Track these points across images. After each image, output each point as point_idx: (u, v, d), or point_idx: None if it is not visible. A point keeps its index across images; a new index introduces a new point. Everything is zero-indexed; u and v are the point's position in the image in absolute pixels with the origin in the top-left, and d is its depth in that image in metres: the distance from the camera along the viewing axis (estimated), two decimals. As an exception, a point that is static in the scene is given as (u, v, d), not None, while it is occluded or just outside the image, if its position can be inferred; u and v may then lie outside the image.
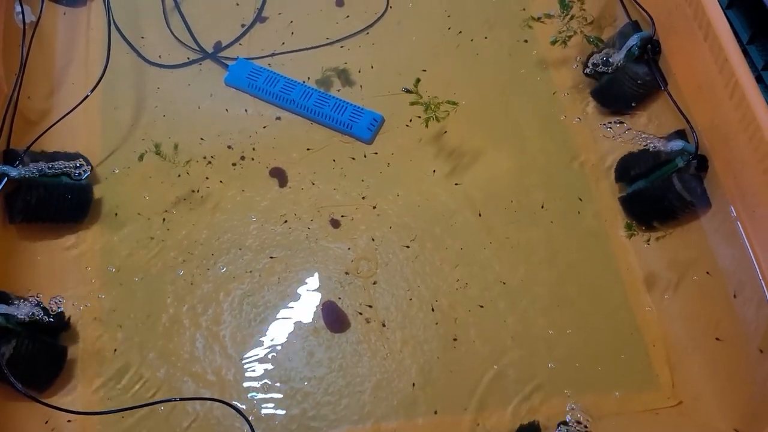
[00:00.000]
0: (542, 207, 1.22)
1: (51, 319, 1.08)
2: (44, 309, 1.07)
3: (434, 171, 1.26)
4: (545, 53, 1.36)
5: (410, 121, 1.31)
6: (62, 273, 1.18)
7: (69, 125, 1.27)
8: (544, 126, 1.30)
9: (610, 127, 1.19)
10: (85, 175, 1.22)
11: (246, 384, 1.09)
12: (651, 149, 1.13)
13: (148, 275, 1.18)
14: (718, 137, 1.03)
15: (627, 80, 1.19)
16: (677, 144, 1.08)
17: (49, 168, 1.18)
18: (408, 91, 1.19)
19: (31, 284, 1.14)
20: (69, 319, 1.13)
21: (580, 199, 1.22)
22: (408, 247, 1.20)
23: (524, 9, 1.41)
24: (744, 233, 1.00)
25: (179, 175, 1.27)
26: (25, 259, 1.17)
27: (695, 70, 1.08)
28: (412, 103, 1.20)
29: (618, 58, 1.18)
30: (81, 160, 1.22)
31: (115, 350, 1.12)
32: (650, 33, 1.15)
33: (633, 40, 1.15)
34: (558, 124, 1.30)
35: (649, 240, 1.16)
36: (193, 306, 1.16)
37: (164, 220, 1.23)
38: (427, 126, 1.22)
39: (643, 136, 1.11)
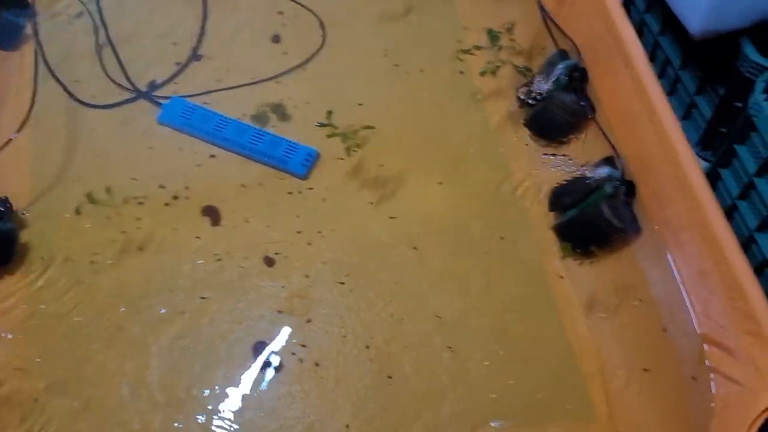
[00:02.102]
0: (479, 238, 1.21)
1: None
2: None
3: (371, 203, 1.25)
4: (480, 84, 1.36)
5: (347, 155, 1.30)
6: (-17, 321, 1.14)
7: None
8: (480, 156, 1.30)
9: (545, 155, 1.19)
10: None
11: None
12: (581, 177, 1.13)
13: (74, 321, 1.14)
14: (641, 164, 1.04)
15: (557, 109, 1.19)
16: (604, 171, 1.08)
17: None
18: (322, 125, 1.19)
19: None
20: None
21: (517, 229, 1.21)
22: (343, 283, 1.18)
23: (459, 41, 1.42)
24: (671, 260, 0.99)
25: (109, 217, 1.24)
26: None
27: (619, 98, 1.09)
28: (329, 136, 1.19)
29: (546, 87, 1.19)
30: (3, 204, 1.19)
31: (36, 400, 1.07)
32: (576, 61, 1.17)
33: (559, 69, 1.16)
34: (494, 154, 1.29)
35: (581, 264, 1.15)
36: (122, 351, 1.12)
37: (92, 262, 1.20)
38: (349, 155, 1.21)
39: (573, 163, 1.11)
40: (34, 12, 1.42)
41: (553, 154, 1.19)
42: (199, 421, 1.06)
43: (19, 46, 1.43)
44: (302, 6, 1.49)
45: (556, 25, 1.22)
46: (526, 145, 1.27)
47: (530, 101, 1.22)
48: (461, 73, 1.39)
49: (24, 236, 1.21)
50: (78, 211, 1.23)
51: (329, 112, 1.18)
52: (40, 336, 1.13)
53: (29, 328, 1.13)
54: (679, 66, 1.34)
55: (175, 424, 1.05)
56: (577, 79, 1.17)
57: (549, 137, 1.25)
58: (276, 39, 1.46)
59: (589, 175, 1.10)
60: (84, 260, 1.19)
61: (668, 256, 1.00)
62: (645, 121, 0.99)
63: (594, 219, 1.10)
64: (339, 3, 1.49)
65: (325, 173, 1.29)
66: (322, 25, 1.47)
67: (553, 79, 1.17)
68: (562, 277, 1.16)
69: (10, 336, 1.12)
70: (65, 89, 1.39)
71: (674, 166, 0.92)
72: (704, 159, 1.34)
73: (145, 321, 1.14)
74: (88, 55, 1.44)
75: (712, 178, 1.23)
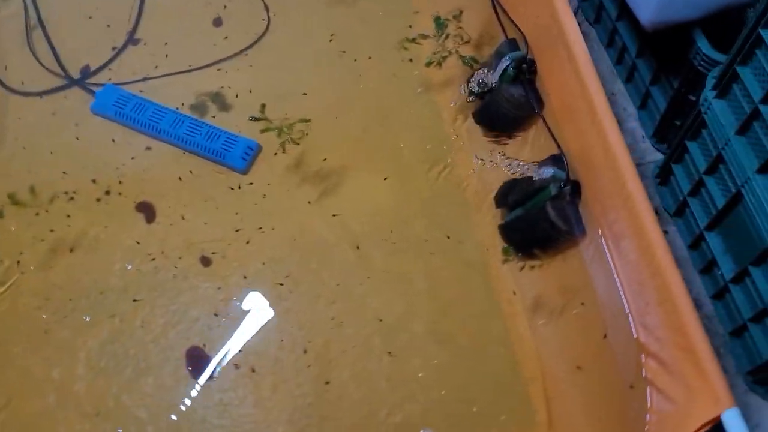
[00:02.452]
0: (423, 236, 1.17)
1: None
2: None
3: (310, 202, 1.20)
4: (430, 74, 1.31)
5: (282, 150, 1.24)
6: None
7: None
8: (426, 151, 1.25)
9: (492, 151, 1.15)
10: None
11: (100, 443, 1.01)
12: (527, 176, 1.09)
13: (-3, 325, 1.09)
14: (586, 164, 1.00)
15: (504, 102, 1.15)
16: (549, 171, 1.04)
17: None
18: (255, 119, 1.13)
19: None
20: None
21: (463, 228, 1.18)
22: (282, 284, 1.13)
23: (410, 26, 1.36)
24: (613, 266, 0.96)
25: (37, 214, 1.18)
26: None
27: (564, 93, 1.05)
28: (263, 131, 1.14)
29: (493, 79, 1.14)
30: None
31: (-45, 412, 1.03)
32: (523, 53, 1.12)
33: (506, 61, 1.11)
34: (441, 149, 1.25)
35: (523, 268, 1.12)
36: (47, 357, 1.07)
37: (18, 263, 1.14)
38: (284, 150, 1.16)
39: (518, 162, 1.07)
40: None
41: (502, 152, 1.14)
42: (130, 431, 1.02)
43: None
44: (247, -14, 1.42)
45: (505, 12, 1.16)
46: (474, 140, 1.23)
47: (477, 93, 1.17)
48: (410, 61, 1.33)
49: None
50: (0, 214, 1.17)
51: (263, 105, 1.12)
52: (-38, 341, 1.08)
53: (-51, 333, 1.08)
54: (636, 54, 1.29)
55: (102, 436, 1.02)
56: (525, 71, 1.12)
57: (497, 130, 1.20)
58: (218, 22, 1.39)
59: (534, 174, 1.06)
60: (9, 260, 1.14)
61: (610, 261, 0.97)
62: (588, 120, 0.94)
63: (538, 220, 1.06)
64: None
65: (266, 167, 1.23)
66: (266, 8, 1.39)
67: (500, 71, 1.12)
68: (506, 279, 1.13)
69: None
70: (-9, 75, 1.32)
71: (614, 171, 0.89)
72: (659, 151, 1.30)
73: (73, 325, 1.10)
74: (18, 38, 1.36)
75: (665, 173, 1.20)
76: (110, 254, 1.16)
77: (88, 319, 1.09)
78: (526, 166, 1.08)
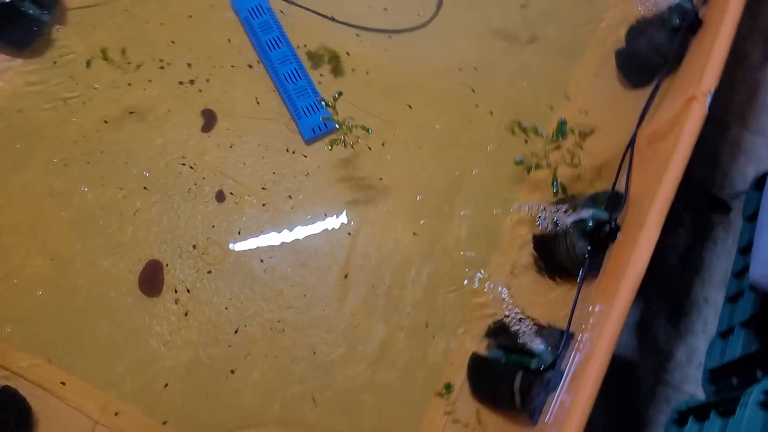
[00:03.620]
0: (406, 310, 1.10)
1: None
2: None
3: (343, 207, 1.16)
4: (516, 169, 1.16)
5: (356, 148, 1.19)
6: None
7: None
8: (468, 240, 1.13)
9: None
10: (44, 16, 1.21)
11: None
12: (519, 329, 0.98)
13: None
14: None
15: (563, 250, 1.02)
16: (538, 343, 0.93)
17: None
18: (325, 103, 1.08)
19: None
20: None
21: (445, 326, 1.09)
22: (262, 261, 1.12)
23: (551, 108, 1.22)
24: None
25: (124, 72, 1.22)
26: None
27: (611, 274, 0.91)
28: (325, 119, 1.10)
29: (567, 221, 1.00)
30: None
31: None
32: (606, 218, 0.97)
33: (587, 213, 0.97)
34: (484, 246, 1.13)
35: (450, 413, 1.03)
36: (54, 185, 1.15)
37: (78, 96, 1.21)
38: (331, 149, 1.10)
39: (519, 315, 0.97)
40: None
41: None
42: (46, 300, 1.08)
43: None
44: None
45: (630, 165, 1.00)
46: (521, 257, 1.11)
47: (545, 225, 1.05)
48: (505, 145, 1.18)
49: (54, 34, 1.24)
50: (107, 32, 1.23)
51: (339, 94, 1.06)
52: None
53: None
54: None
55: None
56: (603, 233, 0.97)
57: (546, 271, 1.07)
58: (387, -7, 1.32)
59: (525, 335, 0.95)
60: (81, 88, 1.21)
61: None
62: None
63: (503, 379, 0.96)
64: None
65: (328, 151, 1.18)
66: (439, 4, 1.30)
67: (577, 219, 0.98)
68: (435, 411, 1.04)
69: None
70: None
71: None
72: (703, 389, 1.13)
73: (86, 176, 1.16)
74: None
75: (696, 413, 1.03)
76: (155, 136, 1.19)
77: (100, 177, 1.15)
78: (528, 323, 0.97)
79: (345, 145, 1.09)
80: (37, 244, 1.12)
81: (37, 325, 1.07)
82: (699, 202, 1.21)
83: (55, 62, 1.23)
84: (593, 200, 1.02)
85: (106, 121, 1.19)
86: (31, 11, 1.19)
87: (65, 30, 1.25)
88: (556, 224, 1.03)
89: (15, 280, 1.09)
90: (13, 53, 1.22)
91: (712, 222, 1.21)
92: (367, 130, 1.10)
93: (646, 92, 1.11)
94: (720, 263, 1.18)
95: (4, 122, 1.19)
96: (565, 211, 1.01)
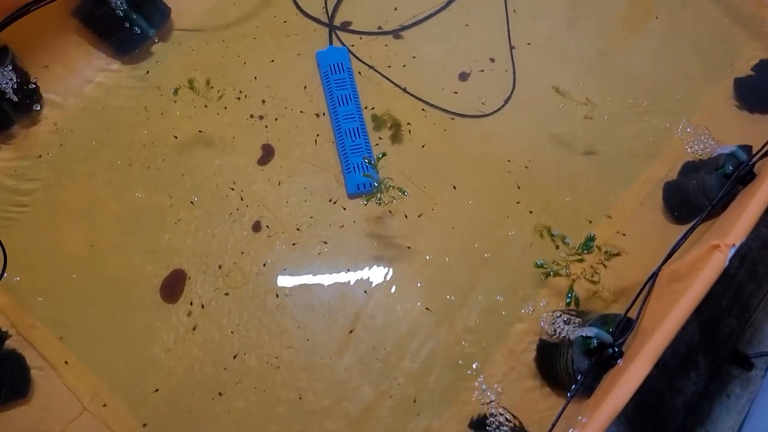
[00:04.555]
0: (398, 381, 1.11)
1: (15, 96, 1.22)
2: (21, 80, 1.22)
3: (366, 266, 1.20)
4: (534, 270, 1.17)
5: (393, 213, 1.24)
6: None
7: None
8: (475, 329, 1.14)
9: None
10: (150, 31, 1.33)
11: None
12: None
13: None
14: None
15: (563, 364, 1.01)
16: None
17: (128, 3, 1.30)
18: (367, 161, 1.14)
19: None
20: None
21: (427, 407, 1.09)
22: (277, 296, 1.17)
23: (590, 222, 1.23)
24: None
25: (215, 97, 1.33)
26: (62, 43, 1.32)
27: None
28: (365, 175, 1.16)
29: (571, 334, 1.00)
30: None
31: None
32: (609, 340, 0.96)
33: (592, 331, 0.97)
34: (481, 344, 1.13)
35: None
36: (112, 177, 1.24)
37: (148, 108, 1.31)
38: (366, 204, 1.14)
39: (504, 416, 0.96)
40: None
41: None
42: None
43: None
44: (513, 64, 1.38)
45: (648, 296, 1.00)
46: (513, 368, 1.11)
47: (549, 335, 1.05)
48: (530, 246, 1.19)
49: (159, 49, 1.36)
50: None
51: (383, 154, 1.13)
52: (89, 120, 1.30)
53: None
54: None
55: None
56: (602, 356, 0.97)
57: (542, 378, 1.07)
58: (463, 77, 1.38)
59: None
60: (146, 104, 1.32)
61: None
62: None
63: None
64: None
65: (368, 208, 1.23)
66: (511, 92, 1.35)
67: (582, 334, 0.98)
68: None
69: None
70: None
71: None
72: None
73: (143, 178, 1.25)
74: None
75: None
76: (215, 157, 1.28)
77: (154, 182, 1.24)
78: (508, 427, 0.97)
79: (380, 203, 1.14)
80: (84, 228, 1.20)
81: (61, 303, 1.15)
82: (721, 351, 1.18)
83: (147, 72, 1.34)
84: (603, 320, 1.02)
85: (176, 137, 1.28)
86: (140, 24, 1.32)
87: (165, 46, 1.37)
88: (560, 334, 1.03)
89: (56, 256, 1.18)
90: (115, 56, 1.34)
91: (730, 375, 1.18)
92: (403, 192, 1.14)
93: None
94: (728, 419, 1.14)
95: (89, 114, 1.30)
96: (573, 324, 1.02)
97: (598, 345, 0.97)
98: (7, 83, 1.19)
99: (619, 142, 1.32)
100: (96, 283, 1.16)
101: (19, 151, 1.25)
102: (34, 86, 1.26)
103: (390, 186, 1.15)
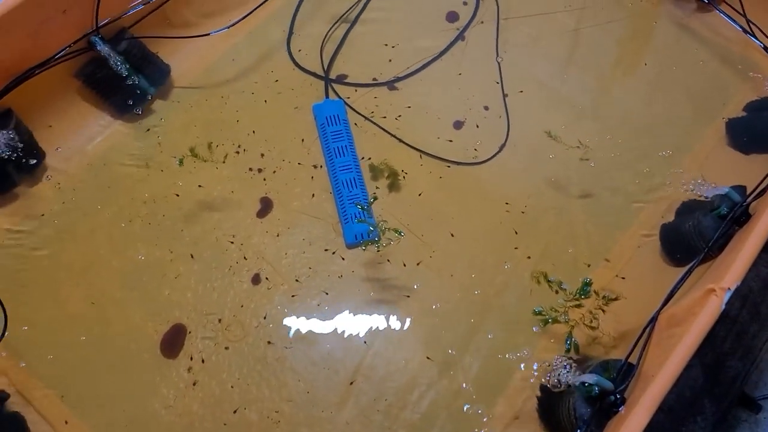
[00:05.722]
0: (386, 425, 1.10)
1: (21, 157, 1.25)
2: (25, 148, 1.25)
3: (366, 316, 1.20)
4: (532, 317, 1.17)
5: (392, 261, 1.24)
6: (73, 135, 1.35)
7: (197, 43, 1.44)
8: (479, 378, 1.14)
9: None
10: (151, 90, 1.37)
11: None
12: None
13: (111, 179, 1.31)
14: None
15: (566, 411, 1.00)
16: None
17: (134, 60, 1.34)
18: (360, 207, 1.15)
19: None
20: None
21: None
22: (277, 349, 1.17)
23: (589, 266, 1.24)
24: None
25: (219, 159, 1.35)
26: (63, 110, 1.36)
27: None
28: (360, 221, 1.16)
29: (573, 381, 1.00)
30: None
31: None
32: (610, 387, 0.95)
33: (592, 378, 0.96)
34: (490, 393, 1.13)
35: None
36: (114, 239, 1.26)
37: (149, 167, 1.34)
38: (365, 249, 1.15)
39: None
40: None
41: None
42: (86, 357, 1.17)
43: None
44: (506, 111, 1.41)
45: (646, 343, 1.00)
46: (517, 418, 1.10)
47: (549, 384, 1.04)
48: (529, 293, 1.20)
49: (157, 108, 1.39)
50: (194, 115, 1.36)
51: (374, 198, 1.15)
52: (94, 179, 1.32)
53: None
54: None
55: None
56: (604, 404, 0.96)
57: (544, 426, 1.06)
58: (458, 125, 1.40)
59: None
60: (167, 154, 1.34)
61: None
62: None
63: None
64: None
65: (366, 259, 1.24)
66: (506, 139, 1.37)
67: (583, 381, 0.97)
68: None
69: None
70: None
71: None
72: None
73: (142, 233, 1.27)
74: (314, 36, 1.52)
75: None
76: (214, 211, 1.29)
77: (154, 237, 1.26)
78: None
79: (378, 248, 1.15)
80: (85, 285, 1.21)
81: (63, 362, 1.15)
82: (727, 395, 1.17)
83: (148, 129, 1.37)
84: (604, 366, 1.01)
85: (176, 194, 1.30)
86: (139, 84, 1.35)
87: (165, 104, 1.40)
88: (561, 382, 1.02)
89: (57, 314, 1.18)
90: (116, 115, 1.37)
91: (737, 418, 1.16)
92: (400, 233, 1.15)
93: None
94: (738, 464, 1.12)
95: (92, 172, 1.33)
96: (573, 371, 1.01)
97: (599, 392, 0.96)
98: (10, 145, 1.22)
99: (614, 184, 1.33)
100: (97, 340, 1.16)
101: (22, 210, 1.27)
102: (37, 146, 1.29)
103: (386, 228, 1.16)
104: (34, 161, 1.28)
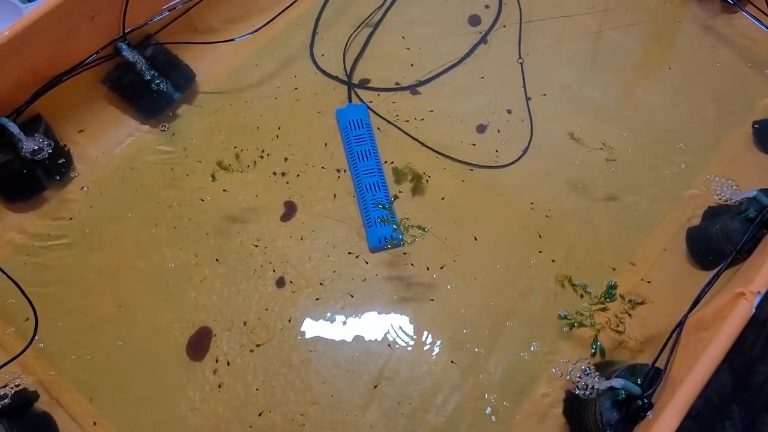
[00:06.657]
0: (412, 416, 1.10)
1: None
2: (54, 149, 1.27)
3: (390, 318, 1.20)
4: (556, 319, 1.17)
5: (415, 265, 1.24)
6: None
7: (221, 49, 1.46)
8: (509, 377, 1.14)
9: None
10: (176, 94, 1.39)
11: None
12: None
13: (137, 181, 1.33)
14: None
15: (591, 414, 1.00)
16: None
17: (160, 66, 1.36)
18: (381, 206, 1.15)
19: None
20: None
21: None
22: (301, 352, 1.17)
23: (614, 269, 1.23)
24: None
25: (246, 168, 1.36)
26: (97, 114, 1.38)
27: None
28: (383, 220, 1.17)
29: (599, 386, 0.99)
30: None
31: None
32: (637, 391, 0.95)
33: (618, 383, 0.95)
34: (514, 391, 1.13)
35: None
36: (140, 241, 1.28)
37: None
38: (389, 248, 1.16)
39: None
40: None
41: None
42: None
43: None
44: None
45: (676, 344, 0.99)
46: (542, 422, 1.09)
47: (577, 390, 1.03)
48: (553, 297, 1.19)
49: (183, 111, 1.41)
50: (219, 120, 1.37)
51: (395, 197, 1.15)
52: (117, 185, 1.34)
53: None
54: None
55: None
56: (631, 408, 0.95)
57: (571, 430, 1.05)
58: (480, 129, 1.40)
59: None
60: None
61: None
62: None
63: None
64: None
65: (391, 263, 1.25)
66: (529, 142, 1.37)
67: (610, 386, 0.97)
68: None
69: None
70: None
71: None
72: None
73: (166, 235, 1.28)
74: (337, 39, 1.53)
75: None
76: (239, 216, 1.30)
77: (176, 240, 1.27)
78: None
79: (402, 244, 1.15)
80: (112, 288, 1.23)
81: (92, 364, 1.16)
82: (756, 400, 1.15)
83: (174, 134, 1.39)
84: (630, 371, 1.00)
85: (202, 199, 1.32)
86: (165, 89, 1.37)
87: (190, 109, 1.42)
88: (587, 386, 1.02)
89: (85, 317, 1.20)
90: (141, 120, 1.39)
91: (765, 424, 1.14)
92: (423, 230, 1.15)
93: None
94: (767, 471, 1.10)
95: (120, 176, 1.35)
96: (600, 375, 1.00)
97: (626, 397, 0.95)
98: (39, 150, 1.24)
99: (639, 187, 1.32)
100: (125, 343, 1.18)
101: (50, 214, 1.29)
102: (65, 151, 1.31)
103: (409, 226, 1.16)
104: (62, 166, 1.30)
